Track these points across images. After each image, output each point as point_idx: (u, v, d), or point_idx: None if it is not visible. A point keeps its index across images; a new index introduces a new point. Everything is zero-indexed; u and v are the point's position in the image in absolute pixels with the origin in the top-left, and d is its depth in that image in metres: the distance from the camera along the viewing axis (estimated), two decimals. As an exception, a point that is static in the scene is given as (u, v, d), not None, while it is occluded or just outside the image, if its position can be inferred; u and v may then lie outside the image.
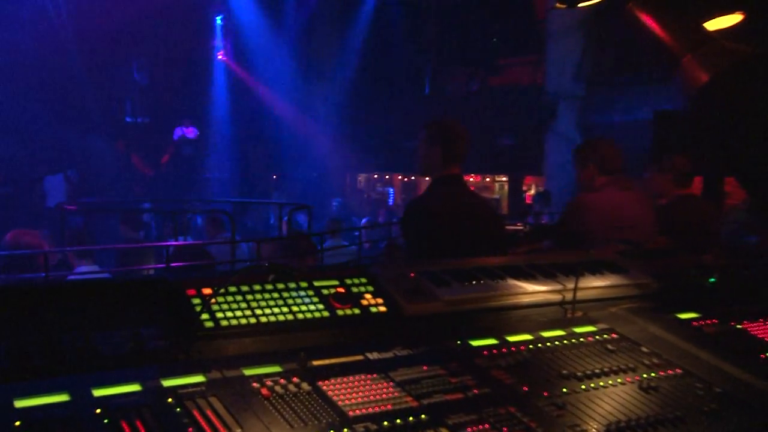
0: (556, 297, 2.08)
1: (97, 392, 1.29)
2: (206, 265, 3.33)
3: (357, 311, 1.81)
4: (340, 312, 1.79)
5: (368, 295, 1.88)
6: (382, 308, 1.85)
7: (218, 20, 15.21)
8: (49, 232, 7.27)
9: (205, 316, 1.64)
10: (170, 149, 14.69)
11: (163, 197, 12.46)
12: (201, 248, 3.67)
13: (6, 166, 12.41)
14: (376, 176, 19.88)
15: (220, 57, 15.47)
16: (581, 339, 1.81)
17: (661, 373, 1.69)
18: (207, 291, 1.70)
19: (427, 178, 3.46)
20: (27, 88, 12.57)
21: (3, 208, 11.57)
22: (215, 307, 1.67)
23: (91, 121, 13.04)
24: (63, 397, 1.25)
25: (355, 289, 1.89)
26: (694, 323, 2.01)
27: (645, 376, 1.67)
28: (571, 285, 2.09)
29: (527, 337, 1.79)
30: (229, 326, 1.64)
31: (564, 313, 2.02)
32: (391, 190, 19.25)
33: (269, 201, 13.55)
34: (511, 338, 1.77)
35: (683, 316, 2.05)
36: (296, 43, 15.36)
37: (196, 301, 1.67)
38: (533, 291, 2.07)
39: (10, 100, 12.45)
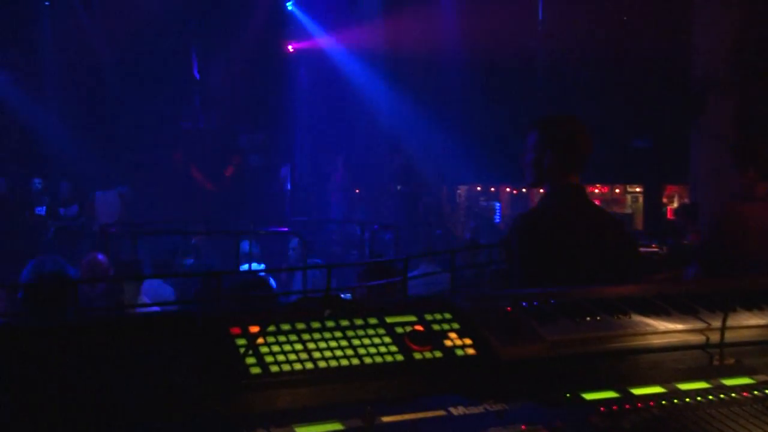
0: (698, 338, 1.97)
1: (116, 453, 1.29)
2: (260, 296, 3.36)
3: (438, 354, 1.76)
4: (417, 355, 1.74)
5: (453, 335, 1.82)
6: (471, 351, 1.79)
7: (289, 6, 15.61)
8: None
9: (251, 359, 1.62)
10: (235, 159, 15.13)
11: (227, 215, 12.83)
12: (258, 277, 3.73)
13: (49, 180, 13.13)
14: (479, 188, 19.80)
15: (290, 49, 15.86)
16: (733, 394, 1.69)
17: None
18: (254, 329, 1.70)
19: (540, 190, 3.38)
20: (71, 91, 13.28)
21: (43, 228, 12.20)
22: (264, 349, 1.66)
23: (144, 128, 13.62)
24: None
25: (436, 327, 1.84)
26: None
27: (826, 447, 1.54)
28: (718, 323, 1.97)
29: (658, 389, 1.69)
30: (281, 372, 1.61)
31: (709, 360, 1.90)
32: (498, 204, 19.11)
33: (349, 220, 13.70)
34: (637, 391, 1.67)
35: None
36: (381, 29, 15.54)
37: (241, 341, 1.66)
38: (666, 330, 1.96)
39: (53, 106, 13.19)
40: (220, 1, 14.38)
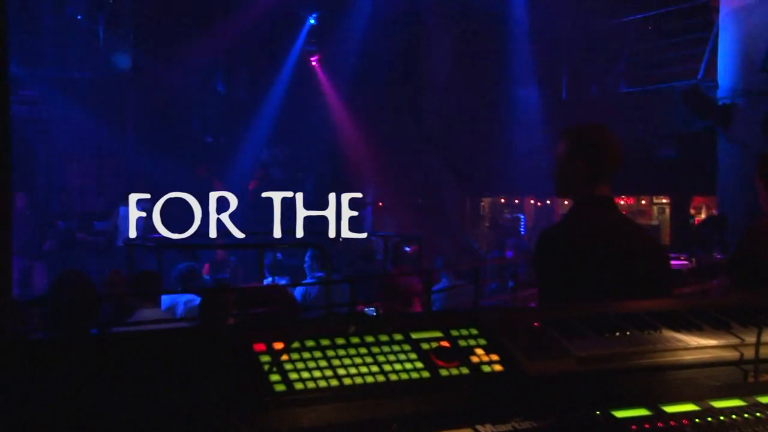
0: (732, 354, 1.92)
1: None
2: (285, 311, 3.35)
3: (465, 371, 1.74)
4: (443, 371, 1.72)
5: (480, 350, 1.80)
6: (498, 367, 1.77)
7: (311, 20, 15.68)
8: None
9: (275, 377, 1.61)
10: (258, 173, 15.18)
11: (251, 229, 12.83)
12: (283, 291, 3.73)
13: (76, 196, 13.24)
14: (503, 200, 19.72)
15: (313, 63, 15.92)
16: (770, 412, 1.65)
17: None
18: (279, 345, 1.68)
19: (566, 202, 3.35)
20: (94, 106, 13.38)
21: (71, 245, 12.29)
22: (288, 366, 1.64)
23: (167, 141, 13.70)
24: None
25: (463, 343, 1.81)
26: None
27: None
28: (752, 338, 1.91)
29: (691, 407, 1.64)
30: (305, 390, 1.60)
31: (743, 376, 1.85)
32: (522, 216, 19.02)
33: (371, 233, 13.67)
34: (669, 409, 1.63)
35: None
36: (403, 45, 15.57)
37: (265, 358, 1.65)
38: (698, 346, 1.92)
39: (77, 121, 13.30)
40: (243, 14, 14.47)
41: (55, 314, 3.82)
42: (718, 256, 8.27)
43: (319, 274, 7.65)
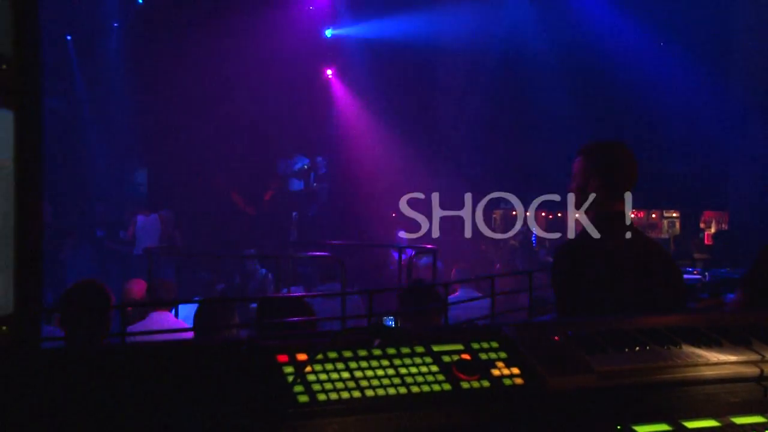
0: (752, 370, 1.89)
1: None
2: (304, 322, 3.34)
3: (486, 384, 1.72)
4: (464, 384, 1.70)
5: (501, 364, 1.78)
6: (518, 380, 1.75)
7: (328, 33, 15.72)
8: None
9: (298, 388, 1.60)
10: (275, 184, 15.20)
11: (266, 239, 12.88)
12: (301, 302, 3.71)
13: (102, 206, 13.33)
14: (514, 213, 19.66)
15: (329, 75, 15.95)
16: (791, 429, 1.63)
17: None
18: (302, 357, 1.67)
19: (576, 215, 3.34)
20: (118, 118, 13.48)
21: (99, 253, 12.36)
22: (311, 378, 1.63)
23: (185, 152, 13.76)
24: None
25: (484, 356, 1.80)
26: None
27: None
28: (772, 354, 1.90)
29: (712, 423, 1.63)
30: (328, 401, 1.59)
31: (764, 393, 1.83)
32: (533, 229, 18.94)
33: (386, 244, 13.65)
34: (690, 424, 1.62)
35: None
36: (418, 54, 15.58)
37: (289, 369, 1.63)
38: (719, 361, 1.90)
39: (99, 133, 13.40)
40: (260, 28, 14.53)
41: (68, 323, 3.82)
42: (729, 271, 8.21)
43: (324, 286, 7.61)
